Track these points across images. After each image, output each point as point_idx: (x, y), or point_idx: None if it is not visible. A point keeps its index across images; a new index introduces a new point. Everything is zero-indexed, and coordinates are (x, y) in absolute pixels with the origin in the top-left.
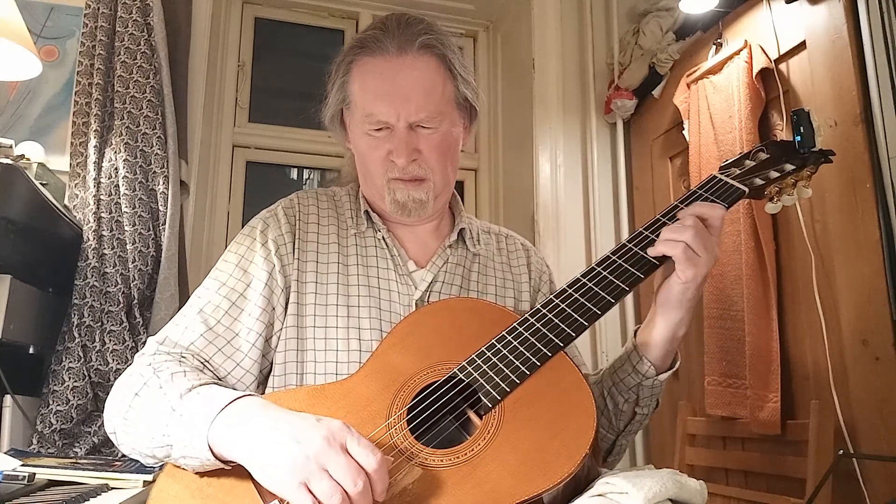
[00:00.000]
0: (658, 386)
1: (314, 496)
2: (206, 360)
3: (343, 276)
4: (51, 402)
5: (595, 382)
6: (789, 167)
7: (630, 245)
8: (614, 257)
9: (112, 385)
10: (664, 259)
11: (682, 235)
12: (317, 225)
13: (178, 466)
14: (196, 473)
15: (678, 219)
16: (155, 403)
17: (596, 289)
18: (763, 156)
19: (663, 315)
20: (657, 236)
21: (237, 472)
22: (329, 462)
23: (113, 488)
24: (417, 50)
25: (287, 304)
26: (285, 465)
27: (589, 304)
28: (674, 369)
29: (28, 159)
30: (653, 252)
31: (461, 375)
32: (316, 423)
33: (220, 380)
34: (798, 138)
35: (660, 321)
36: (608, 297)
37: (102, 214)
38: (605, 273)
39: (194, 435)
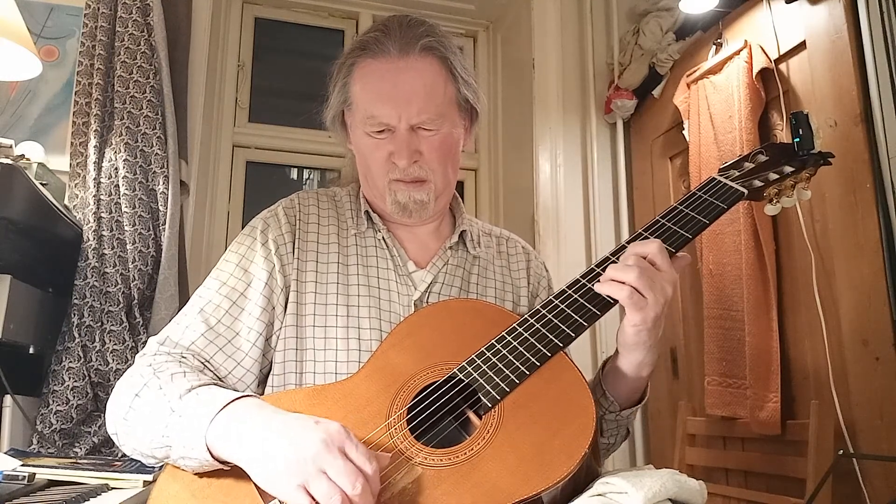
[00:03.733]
0: (623, 419)
1: (312, 498)
2: (206, 360)
3: (343, 275)
4: (51, 402)
5: None
6: (788, 169)
7: (628, 245)
8: (614, 258)
9: (112, 385)
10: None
11: (626, 276)
12: (317, 225)
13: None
14: (196, 473)
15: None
16: (154, 404)
17: (596, 289)
18: (762, 158)
19: (624, 356)
20: (657, 237)
21: (237, 472)
22: (327, 464)
23: (113, 488)
24: (419, 52)
25: (286, 303)
26: (283, 467)
27: (588, 305)
28: (640, 404)
29: (28, 159)
30: (598, 290)
31: (461, 376)
32: (314, 425)
33: (220, 379)
34: (797, 141)
35: (622, 361)
36: (608, 298)
37: (102, 214)
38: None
39: (193, 436)
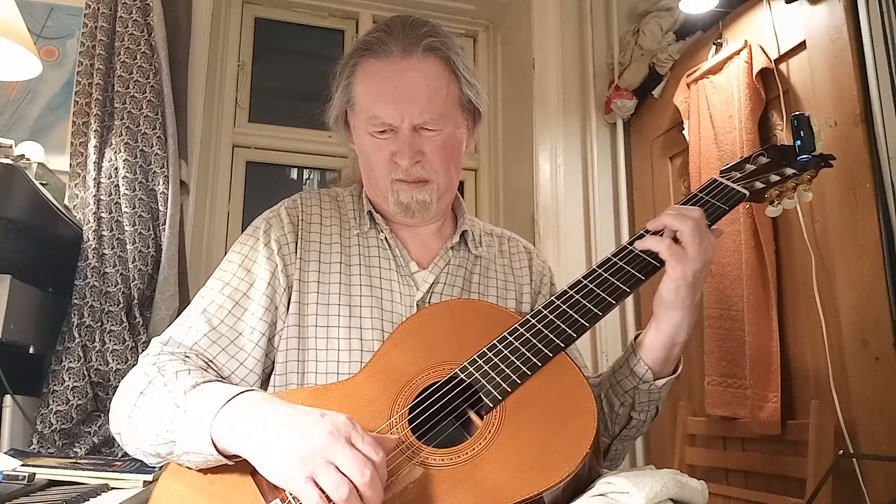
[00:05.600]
0: (656, 392)
1: (321, 489)
2: (209, 360)
3: (345, 275)
4: (51, 402)
5: (594, 385)
6: (790, 171)
7: (630, 247)
8: (615, 259)
9: (112, 385)
10: (664, 261)
11: (675, 225)
12: (319, 225)
13: (182, 465)
14: (199, 471)
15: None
16: (159, 401)
17: (597, 290)
18: (763, 160)
19: (660, 317)
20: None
21: (239, 469)
22: (335, 455)
23: (113, 488)
24: (422, 52)
25: (289, 303)
26: (291, 459)
27: (590, 306)
28: (675, 375)
29: (28, 159)
30: (639, 246)
31: (462, 376)
32: (320, 416)
33: (223, 379)
34: (798, 143)
35: (657, 324)
36: (609, 299)
37: (102, 214)
38: (605, 275)
39: (198, 430)
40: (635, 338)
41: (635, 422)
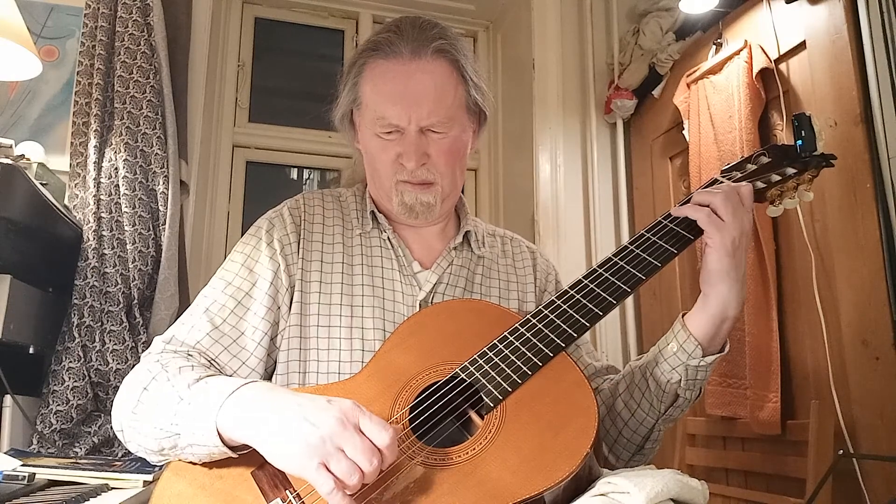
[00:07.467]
0: (703, 369)
1: (334, 476)
2: (212, 359)
3: (347, 275)
4: (51, 402)
5: (638, 366)
6: (791, 171)
7: (631, 247)
8: (616, 259)
9: (112, 385)
10: (671, 257)
11: (707, 199)
12: (321, 225)
13: (183, 464)
14: (200, 470)
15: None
16: (163, 395)
17: (598, 290)
18: (764, 159)
19: (708, 293)
20: (659, 238)
21: (241, 468)
22: (344, 442)
23: (113, 488)
24: (431, 54)
25: (291, 303)
26: (301, 446)
27: (590, 305)
28: (722, 353)
29: (28, 159)
30: (676, 212)
31: (463, 375)
32: (327, 403)
33: None
34: (800, 143)
35: (705, 300)
36: (609, 298)
37: (102, 214)
38: (606, 274)
39: (202, 422)
40: (682, 315)
41: (681, 400)
